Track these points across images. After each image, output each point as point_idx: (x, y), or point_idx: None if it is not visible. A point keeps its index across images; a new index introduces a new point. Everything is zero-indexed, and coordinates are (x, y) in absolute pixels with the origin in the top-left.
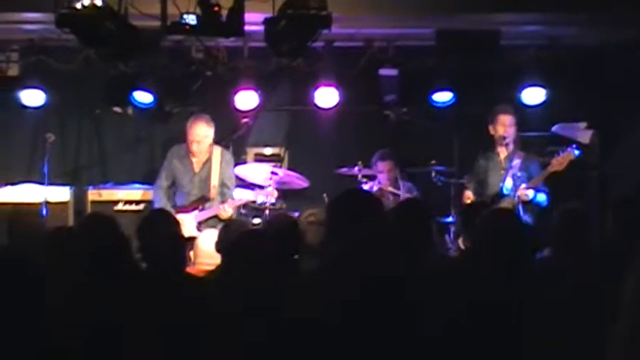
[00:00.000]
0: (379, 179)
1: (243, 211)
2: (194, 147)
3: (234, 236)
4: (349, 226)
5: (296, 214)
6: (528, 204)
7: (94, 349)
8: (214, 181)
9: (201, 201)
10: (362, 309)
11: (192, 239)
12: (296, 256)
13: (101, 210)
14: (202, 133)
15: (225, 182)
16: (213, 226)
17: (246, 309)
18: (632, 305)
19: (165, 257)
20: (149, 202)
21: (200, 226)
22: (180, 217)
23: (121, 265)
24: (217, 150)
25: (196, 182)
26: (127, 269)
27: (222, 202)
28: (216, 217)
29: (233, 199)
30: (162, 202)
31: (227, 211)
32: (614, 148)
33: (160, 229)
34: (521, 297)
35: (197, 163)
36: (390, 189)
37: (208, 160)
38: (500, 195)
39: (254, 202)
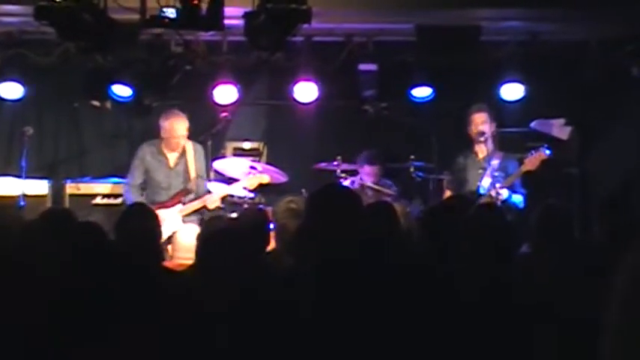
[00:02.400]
0: (362, 177)
1: (221, 205)
2: (176, 143)
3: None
4: (327, 222)
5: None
6: (504, 203)
7: (70, 339)
8: (192, 173)
9: (183, 194)
10: (335, 305)
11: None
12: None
13: (79, 203)
14: (183, 128)
15: (201, 174)
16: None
17: (221, 305)
18: (624, 301)
19: (141, 251)
20: None
21: (184, 219)
22: (162, 212)
23: (98, 257)
24: (189, 143)
25: (173, 177)
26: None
27: (205, 193)
28: (198, 210)
29: (209, 191)
30: (136, 199)
31: (215, 201)
32: (593, 145)
33: (137, 223)
34: (502, 292)
35: (172, 158)
36: (369, 184)
37: (183, 154)
38: (478, 194)
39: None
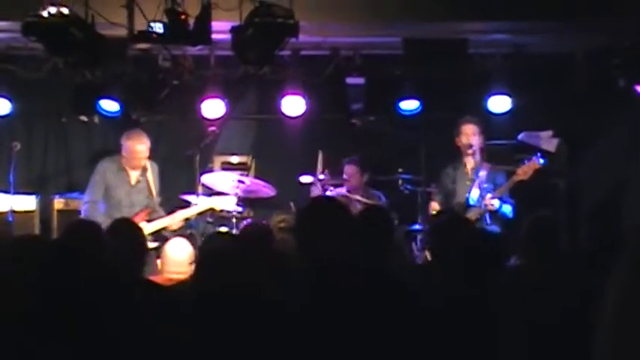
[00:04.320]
0: (346, 186)
1: (209, 219)
2: (138, 163)
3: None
4: (318, 236)
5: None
6: (495, 214)
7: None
8: (154, 190)
9: (146, 212)
10: (330, 320)
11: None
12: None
13: (67, 219)
14: (145, 149)
15: (158, 193)
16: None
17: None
18: (617, 307)
19: (129, 264)
20: None
21: (150, 237)
22: None
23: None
24: (147, 162)
25: (134, 194)
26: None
27: (170, 212)
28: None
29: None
30: (97, 217)
31: (177, 224)
32: (581, 156)
33: (125, 237)
34: (488, 304)
35: (133, 176)
36: (357, 197)
37: (145, 172)
38: (467, 205)
39: (214, 210)
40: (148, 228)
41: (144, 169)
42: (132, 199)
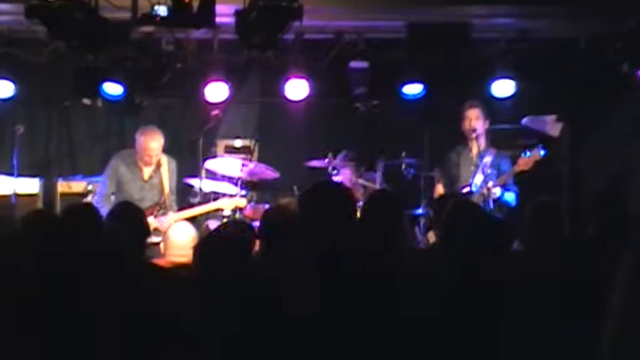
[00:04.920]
0: (343, 177)
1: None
2: (149, 159)
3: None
4: (321, 219)
5: (266, 206)
6: (497, 201)
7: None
8: (167, 187)
9: (155, 207)
10: (339, 304)
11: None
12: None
13: (70, 202)
14: (158, 146)
15: (173, 189)
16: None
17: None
18: (627, 287)
19: (130, 247)
20: None
21: (154, 232)
22: None
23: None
24: (164, 158)
25: (147, 189)
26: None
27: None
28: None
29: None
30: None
31: (230, 205)
32: (584, 142)
33: (126, 220)
34: (493, 289)
35: (146, 171)
36: (362, 181)
37: (158, 168)
38: (470, 191)
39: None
40: (153, 223)
41: (158, 165)
42: (143, 194)
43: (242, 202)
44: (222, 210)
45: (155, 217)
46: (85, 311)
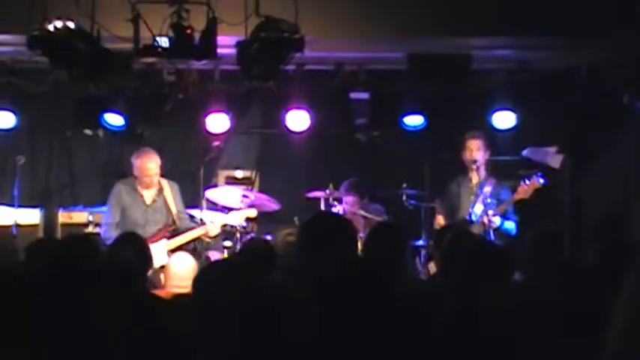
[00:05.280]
0: (345, 206)
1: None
2: (149, 181)
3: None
4: (320, 249)
5: (268, 237)
6: (498, 231)
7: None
8: (174, 209)
9: (166, 229)
10: (338, 332)
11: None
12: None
13: (71, 232)
14: (155, 166)
15: (181, 210)
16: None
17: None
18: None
19: (131, 277)
20: None
21: (171, 253)
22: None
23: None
24: (163, 180)
25: (150, 213)
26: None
27: (190, 227)
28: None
29: (196, 223)
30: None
31: (215, 230)
32: (585, 171)
33: (130, 249)
34: (493, 318)
35: (148, 195)
36: (362, 212)
37: (161, 191)
38: (470, 221)
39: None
40: (169, 245)
41: (160, 189)
42: (147, 218)
43: (253, 213)
44: (216, 235)
45: (168, 238)
46: (89, 339)
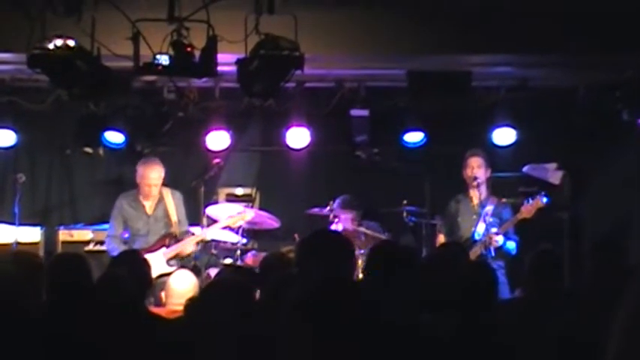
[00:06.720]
0: (342, 223)
1: (214, 251)
2: (149, 190)
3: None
4: (318, 266)
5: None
6: (499, 249)
7: None
8: (174, 217)
9: (167, 238)
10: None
11: (163, 276)
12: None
13: (72, 250)
14: (158, 176)
15: (181, 219)
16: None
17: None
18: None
19: (132, 296)
20: None
21: (169, 262)
22: (147, 257)
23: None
24: (166, 189)
25: (152, 223)
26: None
27: (187, 236)
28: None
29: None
30: (119, 249)
31: (212, 234)
32: (584, 189)
33: (130, 268)
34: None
35: (149, 205)
36: (363, 229)
37: (161, 201)
38: (472, 240)
39: (225, 242)
40: (165, 253)
41: (160, 199)
42: (149, 227)
43: (251, 214)
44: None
45: (167, 246)
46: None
